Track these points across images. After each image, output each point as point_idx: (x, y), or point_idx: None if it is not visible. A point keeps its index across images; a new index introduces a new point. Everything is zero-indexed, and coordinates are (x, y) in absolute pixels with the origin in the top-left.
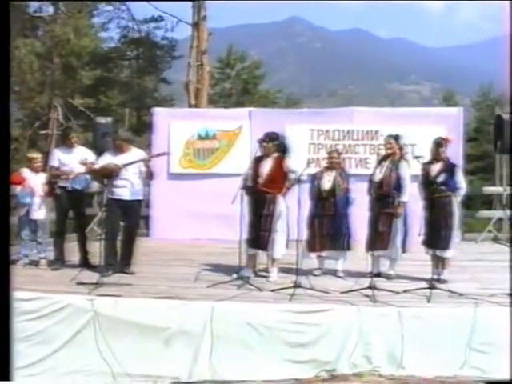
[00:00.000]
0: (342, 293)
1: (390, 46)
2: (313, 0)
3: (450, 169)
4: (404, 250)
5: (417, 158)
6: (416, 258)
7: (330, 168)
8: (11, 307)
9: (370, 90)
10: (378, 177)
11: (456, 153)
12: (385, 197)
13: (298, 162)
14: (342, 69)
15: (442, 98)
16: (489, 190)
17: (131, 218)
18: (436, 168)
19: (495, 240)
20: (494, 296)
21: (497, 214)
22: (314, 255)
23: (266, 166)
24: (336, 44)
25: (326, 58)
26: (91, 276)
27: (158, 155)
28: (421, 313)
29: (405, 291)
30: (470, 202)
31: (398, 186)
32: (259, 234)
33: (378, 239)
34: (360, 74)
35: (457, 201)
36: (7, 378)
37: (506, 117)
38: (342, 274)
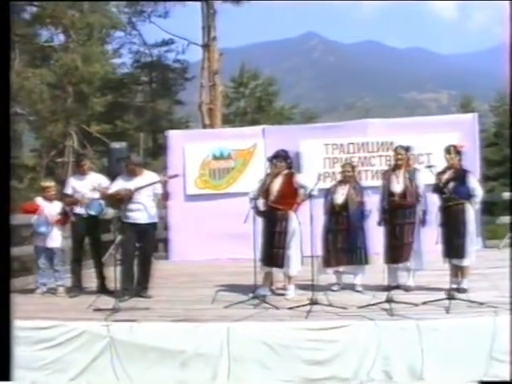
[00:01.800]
0: (359, 307)
1: (405, 56)
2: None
3: (461, 176)
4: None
5: (429, 167)
6: (435, 268)
7: (343, 182)
8: (11, 307)
9: (387, 101)
10: (398, 188)
11: (472, 159)
12: (405, 207)
13: (311, 177)
14: (357, 81)
15: (460, 104)
16: (508, 195)
17: (147, 242)
18: (447, 176)
19: None
20: None
21: None
22: (330, 271)
23: (277, 183)
24: (350, 57)
25: (340, 72)
26: (108, 302)
27: (171, 177)
28: (440, 325)
29: (424, 303)
30: (492, 208)
31: (417, 197)
32: (273, 252)
33: (400, 251)
34: (376, 86)
35: (473, 208)
36: (7, 378)
37: None
38: (360, 289)
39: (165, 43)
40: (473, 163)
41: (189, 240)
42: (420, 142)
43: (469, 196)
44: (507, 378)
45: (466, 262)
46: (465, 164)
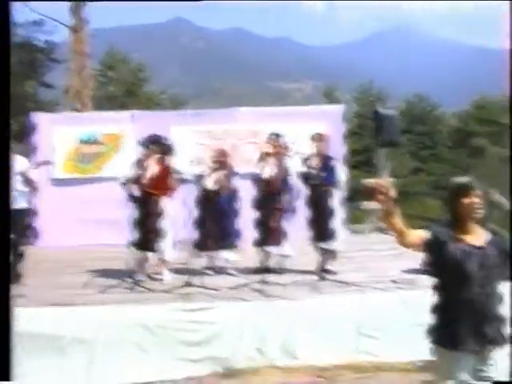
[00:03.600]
0: (233, 289)
1: (274, 46)
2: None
3: (328, 163)
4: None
5: (297, 154)
6: (305, 252)
7: (215, 168)
8: (11, 307)
9: (254, 89)
10: (268, 174)
11: (338, 148)
12: (276, 193)
13: (182, 163)
14: (225, 68)
15: (323, 94)
16: (369, 182)
17: (16, 227)
18: (314, 163)
19: (381, 230)
20: (380, 283)
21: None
22: (204, 254)
23: (150, 168)
24: (219, 43)
25: (209, 58)
26: None
27: (42, 164)
28: (311, 303)
29: (294, 283)
30: (355, 195)
31: (287, 183)
32: (147, 237)
33: (271, 235)
34: (244, 74)
35: (338, 193)
36: (7, 378)
37: (384, 112)
38: (233, 272)
39: (34, 24)
40: (338, 151)
41: (56, 226)
42: (289, 131)
43: (334, 182)
44: (378, 354)
45: (334, 245)
46: (330, 152)
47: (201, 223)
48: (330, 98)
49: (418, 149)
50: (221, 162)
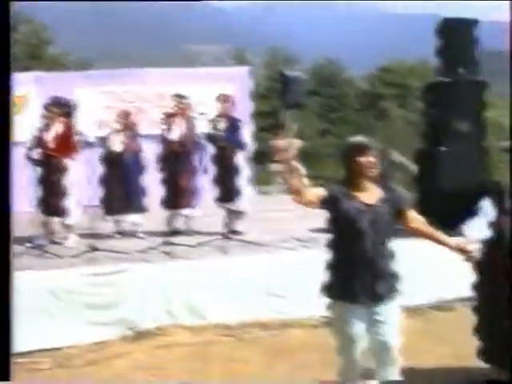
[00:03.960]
0: (140, 252)
1: (184, 8)
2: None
3: (233, 124)
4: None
5: (202, 114)
6: (213, 213)
7: (119, 130)
8: (11, 307)
9: (163, 51)
10: (175, 135)
11: (244, 109)
12: (182, 155)
13: (87, 125)
14: (135, 30)
15: (233, 57)
16: (278, 144)
17: None
18: (219, 124)
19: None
20: (287, 243)
21: None
22: (110, 218)
23: (52, 130)
24: (125, 5)
25: (115, 19)
26: None
27: None
28: (218, 264)
29: (201, 244)
30: (262, 157)
31: (194, 144)
32: (51, 201)
33: (179, 197)
34: (154, 35)
35: (244, 155)
36: (7, 378)
37: (289, 73)
38: (141, 235)
39: None
40: (244, 113)
41: None
42: (196, 93)
43: (239, 143)
44: (285, 312)
45: (240, 206)
46: (237, 114)
47: (106, 186)
48: (240, 60)
49: (326, 111)
50: (125, 123)
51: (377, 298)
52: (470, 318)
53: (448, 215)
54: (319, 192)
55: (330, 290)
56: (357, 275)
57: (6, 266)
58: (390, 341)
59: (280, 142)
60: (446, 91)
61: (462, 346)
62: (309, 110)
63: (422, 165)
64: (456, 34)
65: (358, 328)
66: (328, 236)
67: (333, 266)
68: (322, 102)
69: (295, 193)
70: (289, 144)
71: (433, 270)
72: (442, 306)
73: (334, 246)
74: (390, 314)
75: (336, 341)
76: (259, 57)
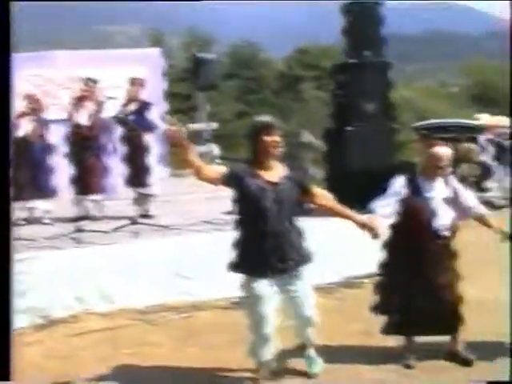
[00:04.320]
0: (47, 239)
1: None
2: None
3: (143, 108)
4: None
5: (110, 98)
6: (121, 198)
7: (25, 114)
8: (11, 306)
9: (77, 32)
10: (84, 120)
11: (157, 92)
12: (92, 139)
13: None
14: (44, 11)
15: (149, 38)
16: (193, 127)
17: None
18: (129, 108)
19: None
20: (197, 225)
21: (202, 148)
22: (18, 205)
23: None
24: None
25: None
26: None
27: None
28: (128, 248)
29: (112, 229)
30: None
31: (103, 128)
32: None
33: (88, 182)
34: (65, 16)
35: (153, 137)
36: (7, 378)
37: (202, 56)
38: (48, 221)
39: None
40: (157, 96)
41: None
42: (107, 75)
43: (150, 127)
44: (195, 294)
45: (151, 190)
46: (148, 96)
47: (13, 172)
48: (156, 41)
49: (244, 93)
50: (31, 107)
51: (284, 271)
52: None
53: (357, 193)
54: (220, 169)
55: (236, 266)
56: (262, 251)
57: (6, 266)
58: (307, 314)
59: (169, 123)
60: (352, 72)
61: (372, 323)
62: (226, 92)
63: (331, 144)
64: (360, 15)
65: (269, 304)
66: (235, 215)
67: (239, 243)
68: (239, 84)
69: (195, 169)
70: (173, 122)
71: (341, 248)
72: (351, 284)
73: (239, 223)
74: (304, 289)
75: (248, 317)
76: (177, 38)
